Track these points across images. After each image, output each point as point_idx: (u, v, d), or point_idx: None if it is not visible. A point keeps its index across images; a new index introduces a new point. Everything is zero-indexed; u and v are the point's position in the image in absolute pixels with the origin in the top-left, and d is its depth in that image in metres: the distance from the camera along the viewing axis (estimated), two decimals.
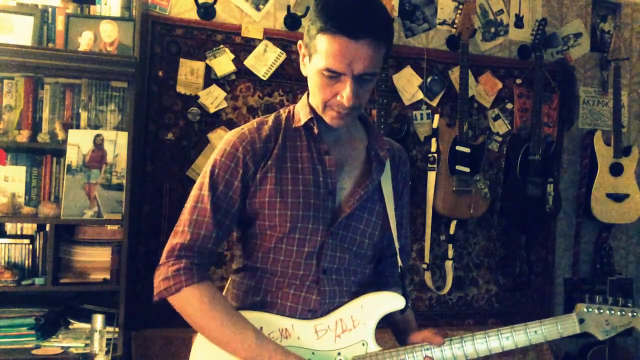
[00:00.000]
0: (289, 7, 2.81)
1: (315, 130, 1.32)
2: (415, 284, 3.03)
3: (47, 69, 2.29)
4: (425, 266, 2.97)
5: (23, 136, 2.34)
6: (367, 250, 1.38)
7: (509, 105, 3.16)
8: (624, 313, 1.30)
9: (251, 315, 1.28)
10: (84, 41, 2.42)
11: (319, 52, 1.20)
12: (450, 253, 3.00)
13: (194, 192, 1.31)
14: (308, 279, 1.30)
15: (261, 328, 1.27)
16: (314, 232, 1.29)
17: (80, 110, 2.43)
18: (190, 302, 1.25)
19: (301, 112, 1.35)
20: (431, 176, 2.92)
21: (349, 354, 1.28)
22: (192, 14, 2.72)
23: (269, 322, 1.28)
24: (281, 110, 1.40)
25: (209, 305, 1.24)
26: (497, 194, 3.11)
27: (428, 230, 2.95)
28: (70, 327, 2.34)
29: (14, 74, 2.37)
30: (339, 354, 1.28)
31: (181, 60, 2.68)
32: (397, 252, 1.44)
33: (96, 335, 2.17)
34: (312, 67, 1.25)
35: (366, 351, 1.29)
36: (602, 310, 1.31)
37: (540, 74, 3.07)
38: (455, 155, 2.88)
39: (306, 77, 1.31)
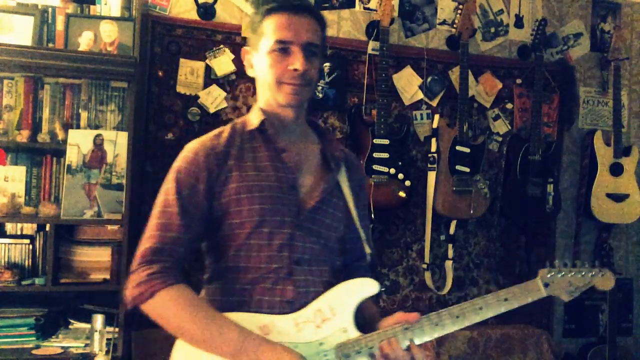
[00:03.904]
0: None
1: (270, 131, 1.38)
2: (415, 284, 3.03)
3: (47, 69, 2.28)
4: (425, 266, 2.97)
5: (23, 136, 2.34)
6: (334, 244, 1.42)
7: (509, 105, 3.16)
8: (584, 274, 1.38)
9: (229, 317, 1.27)
10: (84, 41, 2.42)
11: (267, 34, 1.34)
12: (450, 253, 3.00)
13: (159, 199, 1.34)
14: (282, 271, 1.31)
15: None
16: (282, 224, 1.32)
17: (80, 110, 2.43)
18: (166, 305, 1.24)
19: (253, 117, 1.42)
20: (431, 176, 2.92)
21: (331, 343, 1.28)
22: (192, 14, 2.72)
23: (248, 321, 1.26)
24: (236, 120, 1.47)
25: (187, 306, 1.24)
26: (497, 194, 3.11)
27: (428, 230, 2.95)
28: (70, 327, 2.34)
29: (14, 74, 2.37)
30: (321, 344, 1.28)
31: (181, 60, 2.68)
32: (366, 254, 1.48)
33: (96, 335, 2.18)
34: (260, 54, 1.37)
35: (347, 338, 1.29)
36: (563, 274, 1.37)
37: (540, 74, 3.07)
38: (455, 155, 2.88)
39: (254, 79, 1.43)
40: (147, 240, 1.30)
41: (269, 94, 1.38)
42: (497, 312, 1.33)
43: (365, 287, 1.34)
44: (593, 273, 1.39)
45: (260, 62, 1.38)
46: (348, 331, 1.29)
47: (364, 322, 1.36)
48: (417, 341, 1.29)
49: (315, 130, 1.51)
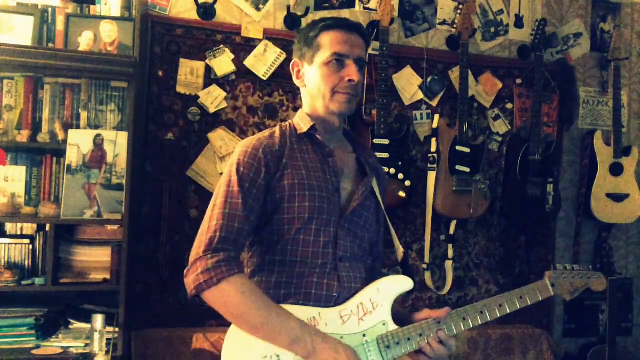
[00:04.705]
0: (289, 7, 2.81)
1: (318, 136, 1.49)
2: (415, 284, 3.02)
3: (47, 69, 2.28)
4: (425, 266, 2.97)
5: (23, 136, 2.34)
6: (367, 244, 1.55)
7: (509, 105, 3.16)
8: (581, 276, 1.58)
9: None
10: (84, 41, 2.42)
11: (324, 47, 1.46)
12: (450, 253, 3.00)
13: (222, 190, 1.40)
14: (327, 266, 1.41)
15: None
16: (328, 223, 1.42)
17: (80, 110, 2.43)
18: (231, 292, 1.30)
19: (301, 123, 1.52)
20: (431, 176, 2.92)
21: (373, 335, 1.40)
22: (192, 14, 2.72)
23: (298, 313, 1.35)
24: (281, 124, 1.56)
25: (250, 295, 1.31)
26: (497, 194, 3.11)
27: (428, 230, 2.95)
28: (70, 327, 2.34)
29: (14, 74, 2.37)
30: (364, 335, 1.39)
31: (181, 60, 2.68)
32: (396, 250, 1.64)
33: (96, 335, 2.17)
34: (316, 65, 1.47)
35: (387, 330, 1.41)
36: (565, 275, 1.57)
37: (540, 74, 3.07)
38: (455, 155, 2.88)
39: (299, 89, 1.56)
40: (212, 229, 1.35)
41: (321, 103, 1.48)
42: (514, 308, 1.49)
43: (401, 284, 1.47)
44: (589, 276, 1.59)
45: (313, 73, 1.49)
46: (387, 324, 1.42)
47: (393, 315, 1.47)
48: (448, 332, 1.43)
49: (348, 137, 1.62)
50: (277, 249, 1.41)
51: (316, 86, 1.48)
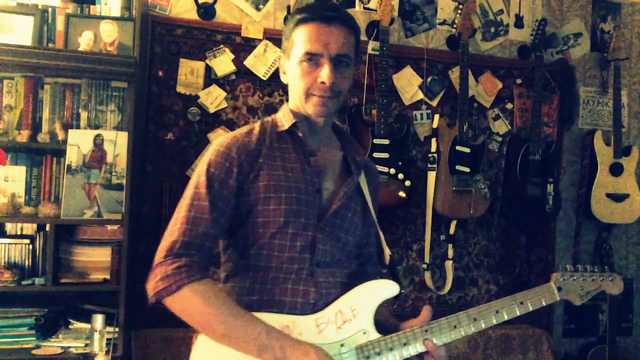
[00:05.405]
0: (289, 7, 2.81)
1: (300, 134, 1.38)
2: (415, 284, 3.03)
3: (47, 69, 2.29)
4: (425, 266, 2.97)
5: (23, 136, 2.34)
6: (351, 247, 1.43)
7: (509, 105, 3.16)
8: (594, 278, 1.41)
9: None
10: (84, 41, 2.42)
11: (297, 43, 1.34)
12: (450, 253, 3.00)
13: (189, 192, 1.32)
14: (303, 272, 1.31)
15: None
16: (305, 226, 1.32)
17: (80, 110, 2.43)
18: (192, 299, 1.22)
19: (284, 119, 1.41)
20: (431, 176, 2.92)
21: (351, 344, 1.29)
22: (192, 14, 2.72)
23: (270, 321, 1.25)
24: (264, 119, 1.46)
25: (214, 301, 1.22)
26: (497, 194, 3.11)
27: (428, 230, 2.95)
28: (70, 327, 2.34)
29: (14, 74, 2.37)
30: (342, 345, 1.29)
31: (181, 60, 2.68)
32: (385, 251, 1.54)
33: (96, 335, 2.18)
34: (292, 62, 1.36)
35: (368, 339, 1.30)
36: (575, 277, 1.40)
37: (540, 74, 3.07)
38: (455, 155, 2.88)
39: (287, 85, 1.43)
40: (175, 233, 1.27)
41: (299, 104, 1.38)
42: (513, 315, 1.36)
43: (385, 289, 1.35)
44: (603, 277, 1.42)
45: (291, 70, 1.38)
46: (368, 332, 1.31)
47: (378, 323, 1.36)
48: (436, 342, 1.31)
49: (338, 133, 1.52)
50: (251, 253, 1.32)
51: (293, 85, 1.38)
